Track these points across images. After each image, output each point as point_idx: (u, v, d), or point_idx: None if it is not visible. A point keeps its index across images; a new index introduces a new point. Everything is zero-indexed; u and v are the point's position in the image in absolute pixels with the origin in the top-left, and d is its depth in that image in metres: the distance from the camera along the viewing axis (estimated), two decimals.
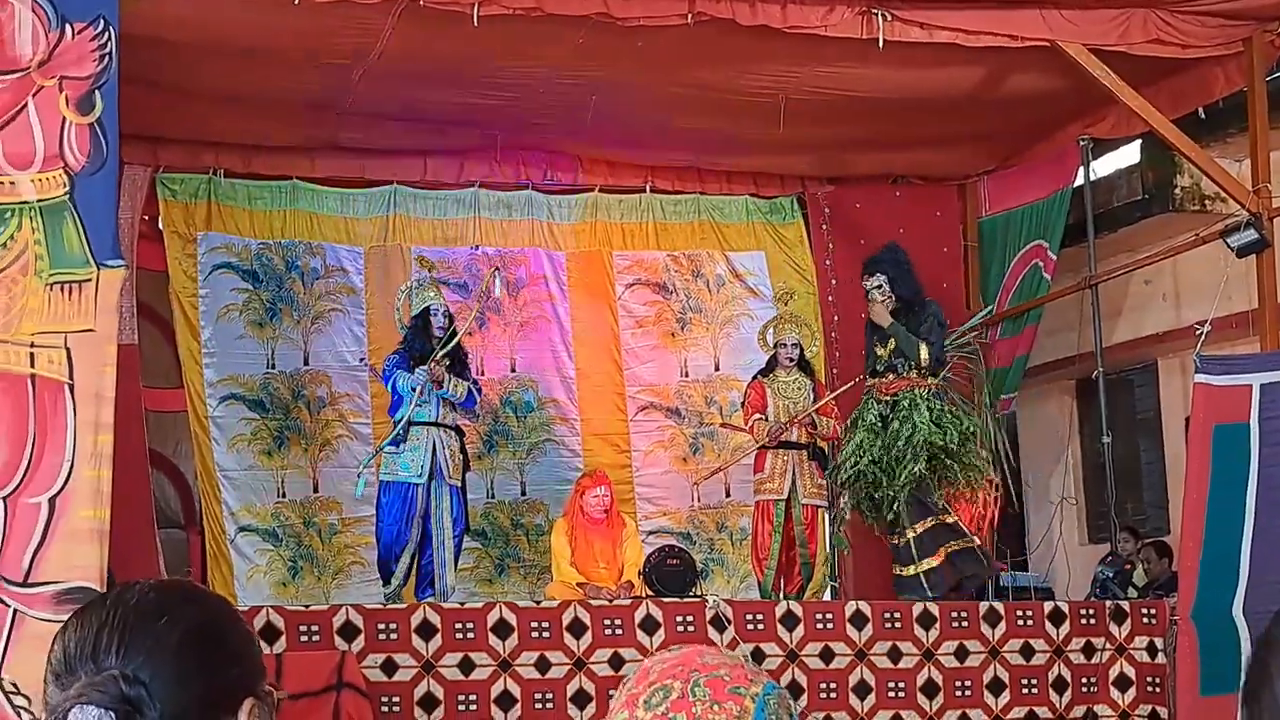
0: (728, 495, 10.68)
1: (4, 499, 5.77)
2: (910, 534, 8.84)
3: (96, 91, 6.01)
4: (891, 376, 9.11)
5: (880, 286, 9.21)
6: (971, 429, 9.07)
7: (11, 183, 5.92)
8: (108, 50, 6.03)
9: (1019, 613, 8.59)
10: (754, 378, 9.80)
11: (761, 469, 9.50)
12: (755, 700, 1.56)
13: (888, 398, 9.04)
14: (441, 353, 8.94)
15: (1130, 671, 8.57)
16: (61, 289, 5.92)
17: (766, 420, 9.39)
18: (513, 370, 10.76)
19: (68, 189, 5.95)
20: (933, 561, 8.78)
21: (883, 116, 9.74)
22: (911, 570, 8.81)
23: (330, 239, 10.39)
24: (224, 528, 9.88)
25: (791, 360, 9.59)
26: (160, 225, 10.00)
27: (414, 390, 8.84)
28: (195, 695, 1.46)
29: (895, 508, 8.84)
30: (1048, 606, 8.70)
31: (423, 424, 8.97)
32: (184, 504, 10.24)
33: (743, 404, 9.86)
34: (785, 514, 9.35)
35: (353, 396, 10.28)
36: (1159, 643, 8.59)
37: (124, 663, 1.44)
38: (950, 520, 8.91)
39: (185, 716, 1.45)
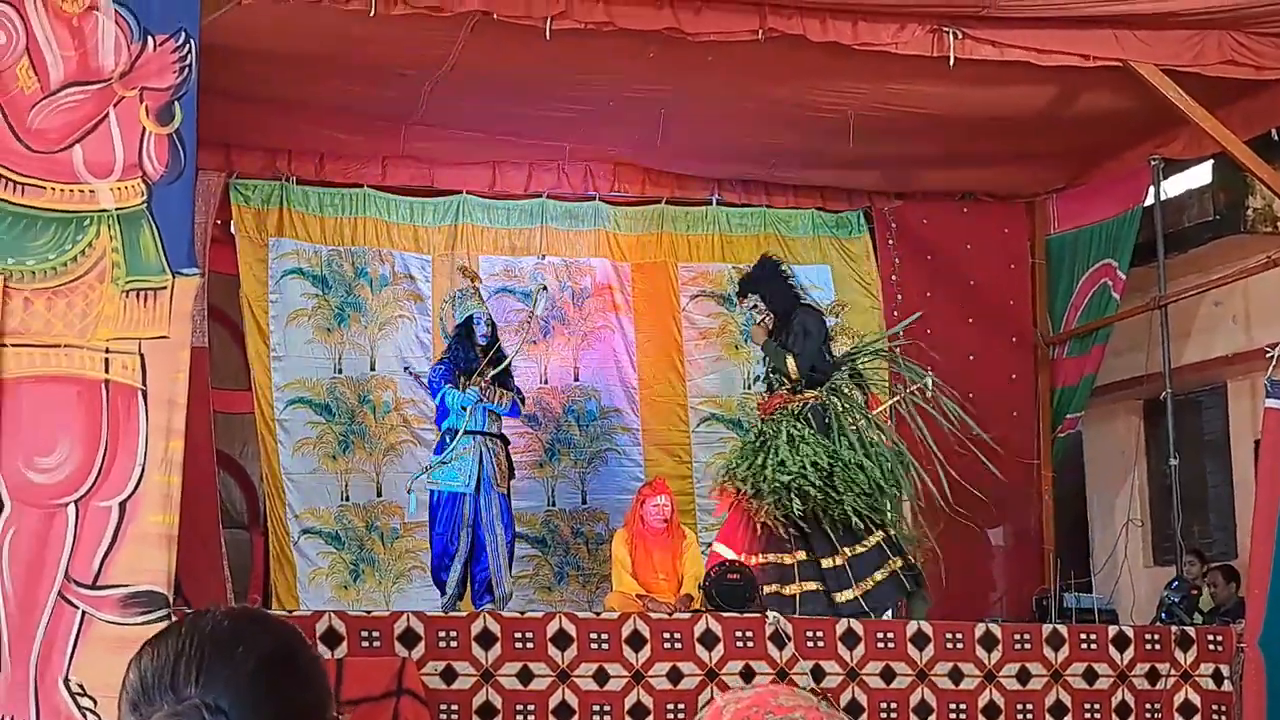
0: None
1: (75, 502, 5.85)
2: (839, 558, 8.59)
3: (176, 102, 6.10)
4: (768, 395, 8.97)
5: (756, 306, 9.01)
6: (843, 452, 8.54)
7: (91, 191, 6.01)
8: (188, 62, 6.11)
9: (1083, 636, 8.51)
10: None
11: None
12: None
13: (768, 417, 8.88)
14: (492, 373, 9.07)
15: (1195, 699, 8.47)
16: (137, 296, 6.00)
17: None
18: (576, 379, 10.80)
19: (145, 198, 6.04)
20: (859, 590, 8.54)
21: (952, 133, 9.70)
22: (848, 595, 8.57)
23: (399, 246, 10.48)
24: (288, 530, 9.97)
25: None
26: (232, 230, 10.12)
27: (465, 410, 8.96)
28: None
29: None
30: (1112, 631, 8.61)
31: (470, 433, 9.06)
32: (249, 505, 10.34)
33: None
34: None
35: (417, 402, 10.34)
36: (1225, 670, 8.48)
37: (204, 692, 1.46)
38: (870, 545, 8.62)
39: None
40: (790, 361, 8.73)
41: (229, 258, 10.04)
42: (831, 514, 8.52)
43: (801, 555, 8.63)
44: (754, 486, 8.59)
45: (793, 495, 8.41)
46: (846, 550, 8.54)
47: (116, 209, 5.99)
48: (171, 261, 6.04)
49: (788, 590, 8.57)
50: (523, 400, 9.54)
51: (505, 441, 9.38)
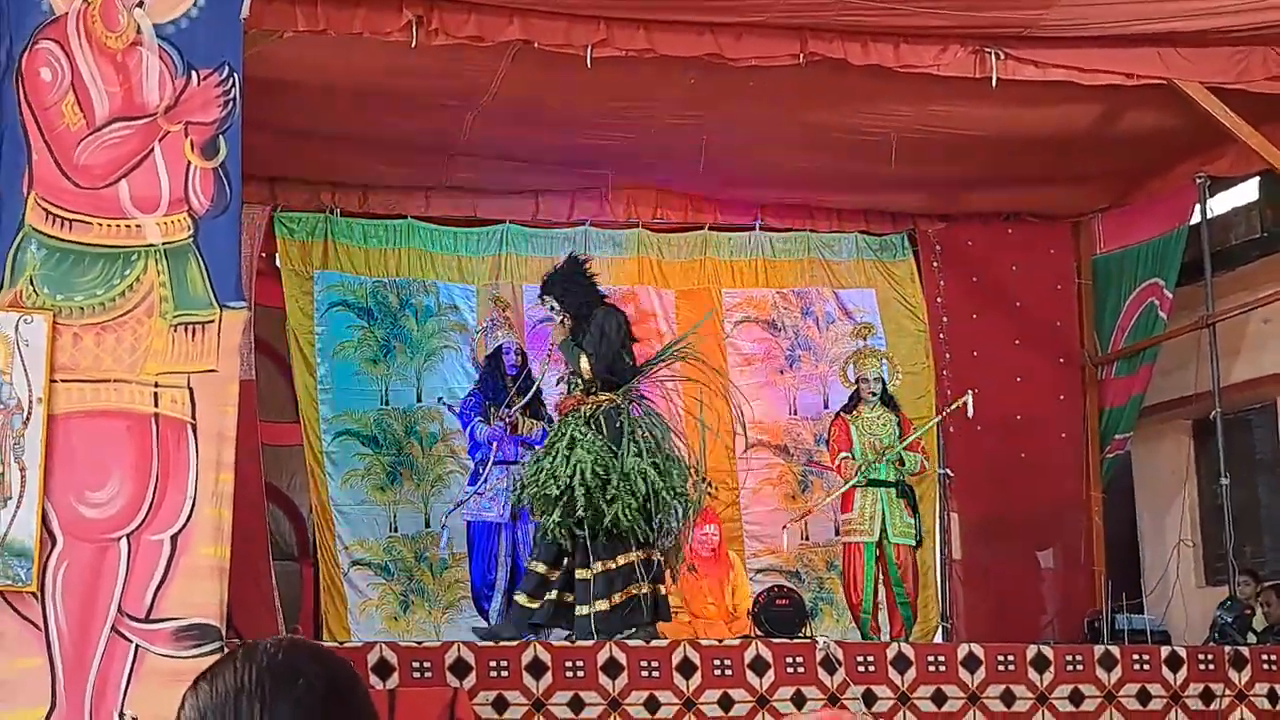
0: (836, 533, 10.57)
1: (128, 536, 5.89)
2: (591, 571, 8.21)
3: (220, 136, 6.15)
4: (564, 394, 8.74)
5: (554, 308, 8.75)
6: (628, 460, 8.14)
7: (138, 225, 6.07)
8: (232, 96, 6.17)
9: (1135, 657, 8.44)
10: (836, 415, 9.73)
11: (850, 509, 9.38)
12: None
13: (561, 419, 8.64)
14: (520, 403, 9.05)
15: (1251, 719, 8.38)
16: (185, 330, 6.04)
17: (854, 458, 9.30)
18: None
19: (192, 232, 6.09)
20: (603, 605, 8.13)
21: (996, 154, 9.68)
22: (585, 610, 8.19)
23: (443, 277, 10.51)
24: (338, 561, 9.99)
25: (875, 395, 9.49)
26: (277, 263, 10.19)
27: (493, 445, 8.97)
28: None
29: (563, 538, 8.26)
30: (1165, 651, 8.53)
31: (503, 463, 9.07)
32: (298, 537, 10.38)
33: (827, 442, 9.77)
34: (877, 554, 9.24)
35: (464, 433, 10.36)
36: None
37: None
38: (621, 564, 8.20)
39: None
40: (584, 361, 8.44)
41: (275, 291, 10.10)
42: (597, 525, 8.13)
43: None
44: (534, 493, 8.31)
45: (557, 505, 8.13)
46: (598, 565, 8.18)
47: (163, 243, 6.04)
48: (219, 295, 6.08)
49: (533, 602, 8.34)
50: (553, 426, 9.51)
51: None
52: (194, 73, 6.14)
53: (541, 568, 8.38)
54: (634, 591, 8.16)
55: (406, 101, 8.73)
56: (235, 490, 6.16)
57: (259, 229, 9.91)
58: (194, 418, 5.96)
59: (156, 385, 5.99)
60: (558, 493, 8.05)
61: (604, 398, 8.40)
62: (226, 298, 6.10)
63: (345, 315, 10.29)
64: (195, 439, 5.94)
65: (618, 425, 8.29)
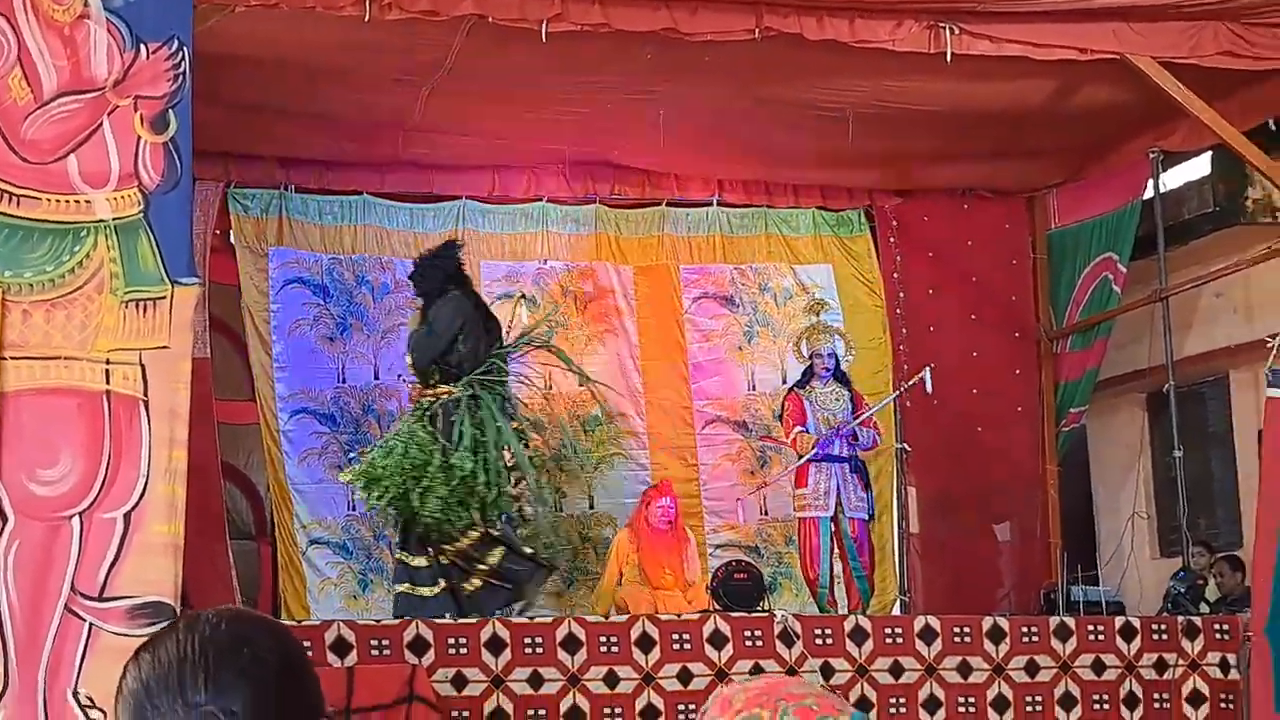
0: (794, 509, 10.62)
1: (80, 514, 5.84)
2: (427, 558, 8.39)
3: (170, 110, 6.09)
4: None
5: (413, 296, 8.83)
6: (452, 453, 8.19)
7: (87, 201, 6.01)
8: (181, 70, 6.11)
9: (1090, 628, 8.51)
10: (789, 390, 9.77)
11: (804, 485, 9.43)
12: None
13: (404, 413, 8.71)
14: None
15: (1204, 688, 8.46)
16: (136, 306, 5.99)
17: (809, 433, 9.34)
18: (580, 385, 10.75)
19: (142, 207, 6.03)
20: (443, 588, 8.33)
21: (951, 129, 9.70)
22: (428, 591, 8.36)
23: (400, 254, 10.45)
24: (296, 540, 9.96)
25: (828, 371, 9.54)
26: (232, 240, 10.12)
27: None
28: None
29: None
30: (1119, 622, 8.61)
31: None
32: (255, 515, 10.33)
33: (780, 417, 9.80)
34: (833, 529, 9.29)
35: None
36: (1232, 659, 8.48)
37: (214, 697, 1.45)
38: (462, 546, 8.35)
39: None
40: (408, 356, 8.61)
41: (229, 268, 10.04)
42: (411, 515, 8.29)
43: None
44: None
45: (376, 493, 8.25)
46: (430, 551, 8.36)
47: (113, 219, 5.98)
48: (170, 271, 6.03)
49: (423, 591, 8.40)
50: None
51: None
52: (143, 46, 6.08)
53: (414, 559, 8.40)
54: (485, 569, 8.23)
55: (360, 77, 8.68)
56: (190, 469, 6.12)
57: (212, 206, 9.84)
58: (146, 394, 5.91)
59: (108, 362, 5.94)
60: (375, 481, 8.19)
61: (442, 390, 8.45)
62: (178, 273, 6.04)
63: (301, 292, 10.23)
64: (147, 416, 5.90)
65: (451, 419, 8.33)
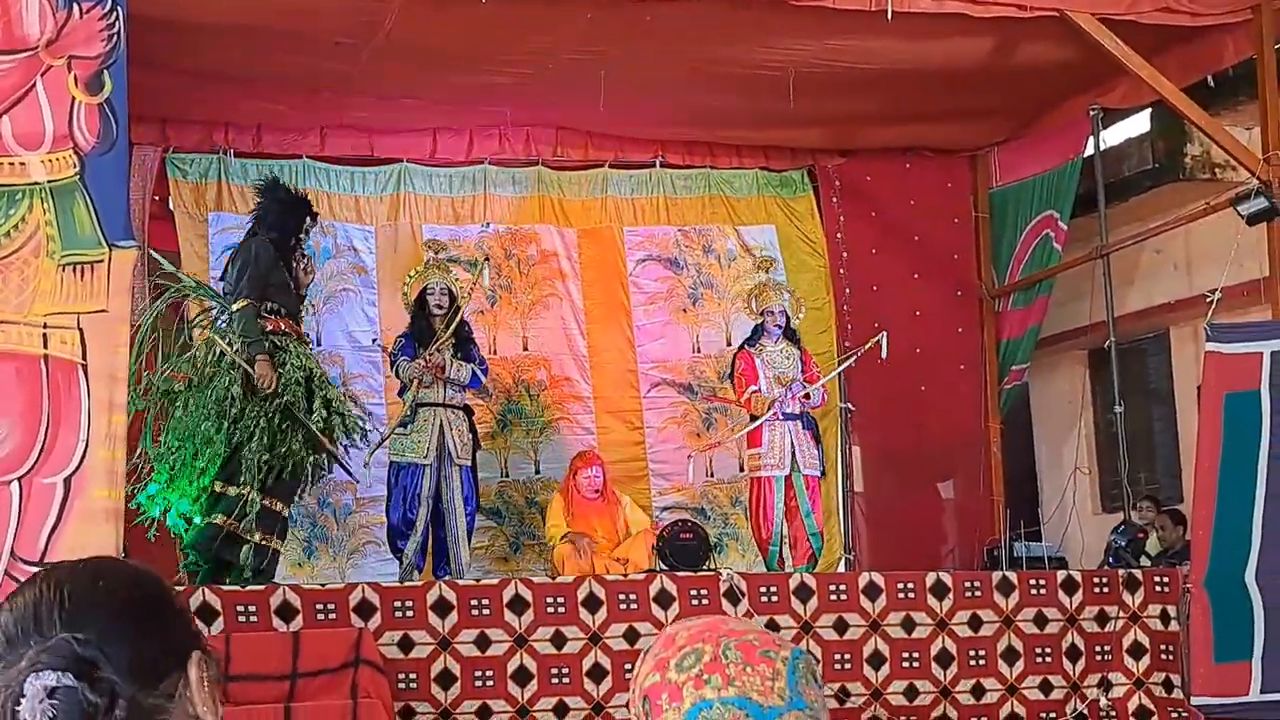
0: (741, 470, 10.66)
1: (19, 479, 5.80)
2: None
3: (105, 71, 6.02)
4: None
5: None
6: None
7: (21, 164, 5.94)
8: (116, 29, 6.03)
9: (1032, 582, 8.60)
10: (740, 347, 9.78)
11: (759, 444, 9.46)
12: (786, 663, 1.58)
13: None
14: (434, 346, 8.96)
15: (1144, 639, 8.58)
16: (74, 270, 5.94)
17: (762, 393, 9.36)
18: (525, 349, 10.74)
19: (78, 169, 5.96)
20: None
21: (893, 89, 9.72)
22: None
23: (341, 218, 10.39)
24: None
25: (779, 328, 9.56)
26: (171, 205, 10.02)
27: (413, 383, 8.91)
28: (144, 650, 1.47)
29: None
30: (1061, 575, 8.70)
31: (429, 405, 9.01)
32: None
33: (731, 375, 9.82)
34: (786, 487, 9.33)
35: (365, 377, 10.28)
36: (1172, 610, 8.59)
37: (69, 628, 1.45)
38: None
39: (139, 671, 1.46)
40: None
41: (169, 234, 9.94)
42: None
43: None
44: None
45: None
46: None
47: (49, 181, 5.92)
48: (108, 234, 5.97)
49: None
50: (485, 370, 9.46)
51: (469, 413, 9.33)
52: (75, 5, 6.00)
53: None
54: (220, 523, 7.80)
55: (299, 39, 8.59)
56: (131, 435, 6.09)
57: (150, 171, 9.74)
58: (85, 359, 5.86)
59: (45, 326, 5.89)
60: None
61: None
62: (116, 237, 5.99)
63: None
64: (86, 380, 5.85)
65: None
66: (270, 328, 8.04)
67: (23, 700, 1.42)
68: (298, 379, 7.94)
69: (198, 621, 1.63)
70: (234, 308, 8.04)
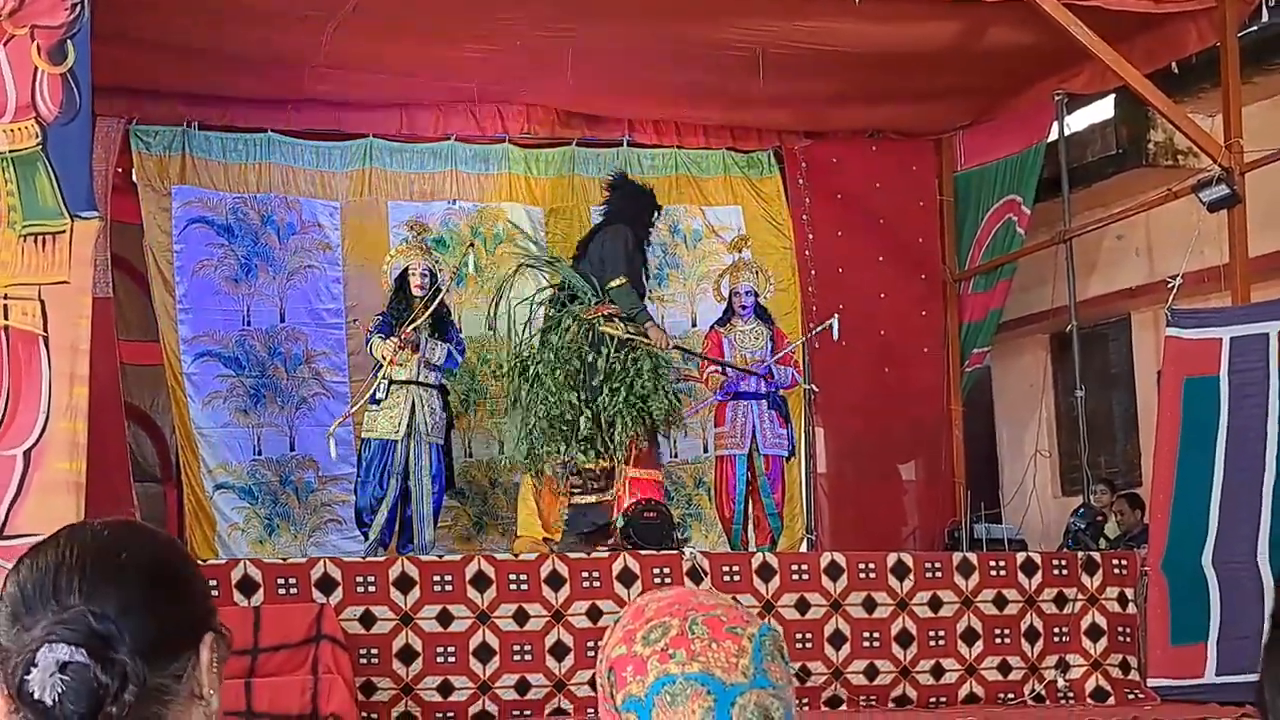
0: (705, 450, 10.67)
1: None
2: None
3: (69, 41, 5.97)
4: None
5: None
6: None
7: None
8: (79, 0, 5.98)
9: (992, 564, 8.66)
10: (711, 327, 9.80)
11: (723, 423, 9.49)
12: (752, 640, 1.58)
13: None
14: (411, 326, 8.95)
15: (1102, 621, 8.65)
16: (35, 240, 5.90)
17: (723, 373, 9.38)
18: (490, 329, 10.68)
19: (40, 140, 5.93)
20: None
21: (860, 71, 9.74)
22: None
23: (306, 193, 10.33)
24: (203, 484, 9.85)
25: (746, 308, 9.57)
26: (134, 178, 9.94)
27: (386, 360, 8.89)
28: (161, 629, 1.47)
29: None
30: (1020, 557, 8.77)
31: (402, 383, 8.99)
32: (161, 458, 10.23)
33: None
34: (748, 466, 9.35)
35: (329, 354, 10.24)
36: (1130, 593, 8.67)
37: (88, 600, 1.44)
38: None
39: (154, 650, 1.45)
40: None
41: (132, 207, 9.86)
42: None
43: None
44: None
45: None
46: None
47: (10, 151, 5.88)
48: (70, 205, 5.93)
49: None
50: (462, 350, 9.43)
51: (443, 391, 9.31)
52: None
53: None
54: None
55: (266, 12, 8.55)
56: (93, 410, 6.05)
57: (114, 143, 9.66)
58: (46, 330, 5.83)
59: (6, 297, 5.86)
60: None
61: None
62: (78, 207, 5.95)
63: (204, 232, 10.08)
64: (47, 352, 5.82)
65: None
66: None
67: (34, 670, 1.40)
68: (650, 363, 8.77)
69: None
70: (613, 284, 8.97)
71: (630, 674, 1.58)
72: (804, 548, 10.44)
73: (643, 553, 8.25)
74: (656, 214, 9.46)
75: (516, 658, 7.69)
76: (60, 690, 1.39)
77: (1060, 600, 8.65)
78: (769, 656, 1.58)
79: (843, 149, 11.28)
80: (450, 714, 7.56)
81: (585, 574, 7.91)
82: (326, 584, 7.47)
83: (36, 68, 5.91)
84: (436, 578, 7.67)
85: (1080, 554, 8.89)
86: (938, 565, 8.56)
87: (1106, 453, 11.75)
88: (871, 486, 11.05)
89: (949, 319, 11.32)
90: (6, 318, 5.82)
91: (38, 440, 5.79)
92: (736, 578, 8.16)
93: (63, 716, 1.39)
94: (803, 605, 8.20)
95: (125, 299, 9.81)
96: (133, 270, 9.93)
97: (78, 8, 5.98)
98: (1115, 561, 8.82)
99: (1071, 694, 8.53)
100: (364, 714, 7.27)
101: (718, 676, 1.55)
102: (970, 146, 11.27)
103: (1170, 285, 8.47)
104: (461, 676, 7.59)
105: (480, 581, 7.70)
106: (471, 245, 9.97)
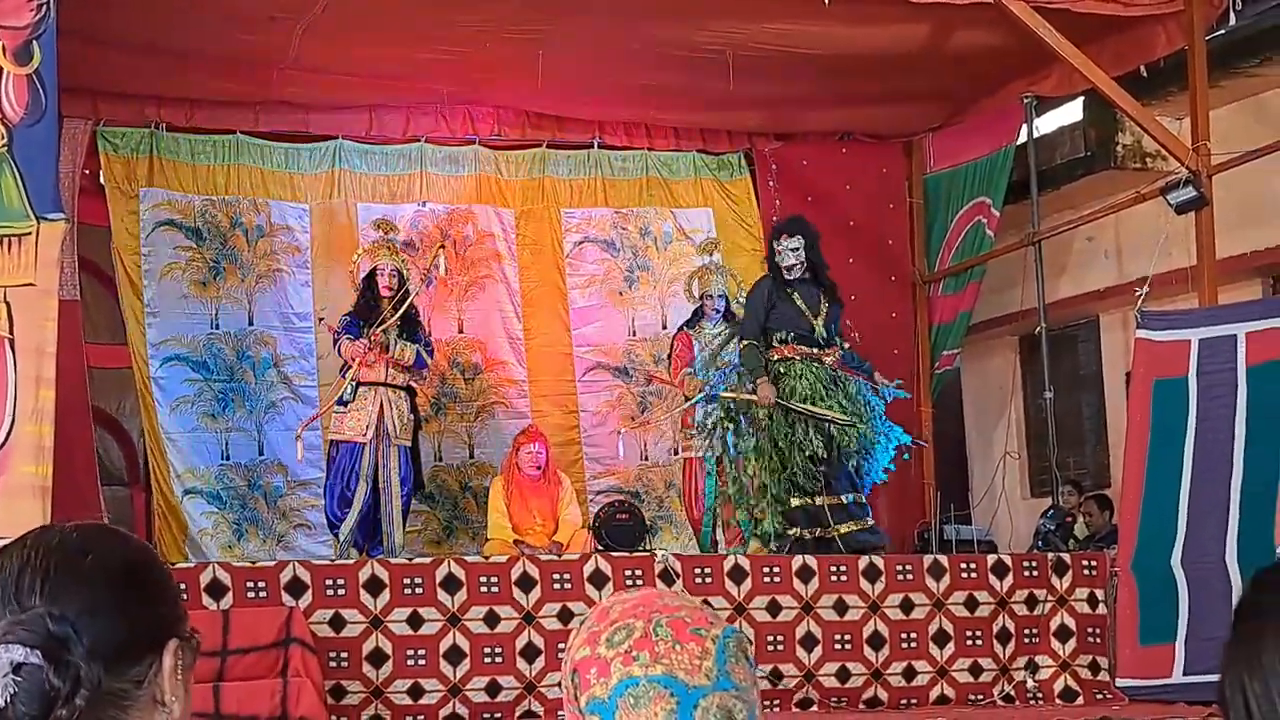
0: (675, 453, 10.66)
1: None
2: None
3: (34, 42, 5.94)
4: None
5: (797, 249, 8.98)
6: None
7: None
8: (45, 0, 5.94)
9: (963, 565, 8.67)
10: (679, 329, 9.79)
11: (690, 426, 9.48)
12: (716, 642, 1.58)
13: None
14: (380, 328, 8.92)
15: (1071, 622, 8.67)
16: (1, 243, 5.85)
17: (696, 374, 9.37)
18: (460, 331, 10.66)
19: (6, 141, 5.89)
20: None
21: (830, 73, 9.76)
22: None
23: (275, 195, 10.29)
24: (172, 489, 9.80)
25: (718, 312, 9.58)
26: (101, 180, 9.88)
27: (354, 361, 8.86)
28: (121, 633, 1.45)
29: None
30: (991, 559, 8.78)
31: (370, 384, 8.96)
32: (128, 462, 10.18)
33: (669, 357, 9.83)
34: (717, 468, 9.34)
35: (297, 358, 10.20)
36: (1099, 594, 8.69)
37: (49, 602, 1.42)
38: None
39: (111, 655, 1.44)
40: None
41: (100, 209, 9.81)
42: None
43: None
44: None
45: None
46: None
47: None
48: (36, 206, 5.90)
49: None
50: (431, 352, 9.40)
51: (411, 393, 9.28)
52: None
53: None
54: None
55: (234, 12, 8.51)
56: (60, 413, 6.01)
57: (81, 144, 9.60)
58: (11, 332, 5.80)
59: None
60: None
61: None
62: (44, 209, 5.92)
63: (173, 235, 10.03)
64: (13, 354, 5.78)
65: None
66: (776, 356, 8.73)
67: None
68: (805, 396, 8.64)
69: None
70: (740, 348, 8.92)
71: (594, 676, 1.57)
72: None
73: (614, 554, 8.24)
74: (787, 239, 9.06)
75: (487, 660, 7.67)
76: (13, 691, 1.38)
77: (1031, 601, 8.67)
78: (733, 658, 1.58)
79: (813, 151, 11.30)
80: (420, 717, 7.53)
81: (556, 576, 7.89)
82: (296, 587, 7.43)
83: (2, 68, 5.87)
84: (406, 580, 7.64)
85: (1050, 555, 8.92)
86: (909, 568, 8.57)
87: (1075, 454, 11.79)
88: None
89: (919, 321, 11.34)
90: None
91: (3, 444, 5.74)
92: (709, 580, 8.15)
93: (15, 718, 1.37)
94: (774, 608, 8.20)
95: (93, 302, 9.75)
96: (100, 273, 9.88)
97: (44, 8, 5.94)
98: (1085, 562, 8.85)
99: (1041, 695, 8.55)
100: (333, 717, 7.24)
101: (681, 678, 1.54)
102: (940, 149, 11.30)
103: (1138, 293, 8.50)
104: (432, 679, 7.56)
105: (450, 584, 7.68)
106: (442, 247, 9.93)
